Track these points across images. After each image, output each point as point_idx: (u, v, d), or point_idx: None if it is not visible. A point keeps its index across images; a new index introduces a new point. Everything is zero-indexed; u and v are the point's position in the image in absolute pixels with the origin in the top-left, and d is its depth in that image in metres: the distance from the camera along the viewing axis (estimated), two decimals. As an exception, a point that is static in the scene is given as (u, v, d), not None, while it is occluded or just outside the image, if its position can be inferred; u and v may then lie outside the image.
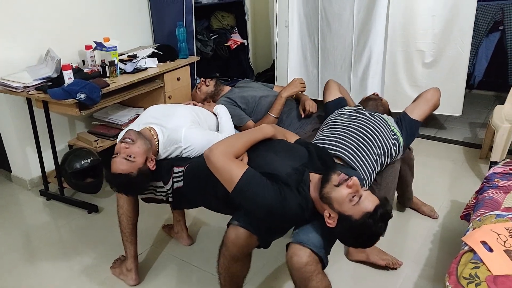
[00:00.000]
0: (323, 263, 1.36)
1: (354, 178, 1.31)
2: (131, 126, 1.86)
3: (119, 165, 1.61)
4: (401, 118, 1.98)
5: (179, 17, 3.09)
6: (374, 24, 3.06)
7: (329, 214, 1.33)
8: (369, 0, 3.01)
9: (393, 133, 1.87)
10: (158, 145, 1.74)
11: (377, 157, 1.77)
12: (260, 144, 1.55)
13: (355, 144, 1.74)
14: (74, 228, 2.37)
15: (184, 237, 2.16)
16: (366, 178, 1.70)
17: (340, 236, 1.39)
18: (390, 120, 1.96)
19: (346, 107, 2.06)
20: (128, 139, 1.64)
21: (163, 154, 1.77)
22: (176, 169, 1.70)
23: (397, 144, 1.86)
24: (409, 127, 1.95)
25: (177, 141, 1.76)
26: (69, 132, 2.92)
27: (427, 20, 2.89)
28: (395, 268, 1.91)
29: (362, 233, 1.31)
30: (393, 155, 1.86)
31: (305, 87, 2.36)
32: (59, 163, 2.47)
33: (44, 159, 2.58)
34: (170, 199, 1.75)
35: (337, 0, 3.14)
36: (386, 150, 1.81)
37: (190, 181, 1.66)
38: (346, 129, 1.81)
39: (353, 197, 1.29)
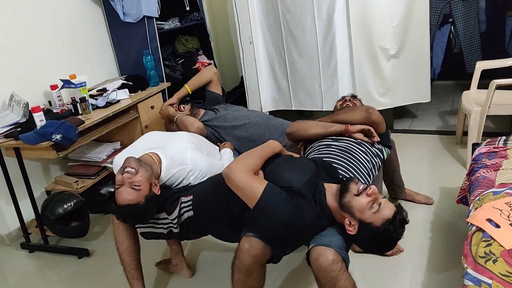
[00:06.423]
0: (346, 263, 1.37)
1: (373, 186, 1.36)
2: (127, 153, 1.78)
3: (126, 195, 1.55)
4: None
5: (144, 46, 3.05)
6: (336, 29, 3.14)
7: (350, 222, 1.37)
8: (328, 6, 3.10)
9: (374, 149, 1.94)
10: (160, 169, 1.69)
11: (367, 168, 1.81)
12: (269, 160, 1.59)
13: (345, 160, 1.76)
14: (65, 277, 2.22)
15: (184, 268, 2.07)
16: None
17: (362, 243, 1.44)
18: None
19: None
20: (129, 169, 1.58)
21: (165, 177, 1.71)
22: (184, 199, 1.65)
23: (379, 154, 1.94)
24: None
25: (183, 163, 1.72)
26: (44, 178, 2.76)
27: (386, 18, 3.02)
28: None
29: (383, 239, 1.35)
30: (379, 163, 1.94)
31: None
32: (40, 211, 2.33)
33: (21, 210, 2.42)
34: (175, 230, 1.68)
35: (297, 11, 3.21)
36: (373, 162, 1.87)
37: (201, 208, 1.62)
38: (333, 150, 1.83)
39: (372, 204, 1.33)
